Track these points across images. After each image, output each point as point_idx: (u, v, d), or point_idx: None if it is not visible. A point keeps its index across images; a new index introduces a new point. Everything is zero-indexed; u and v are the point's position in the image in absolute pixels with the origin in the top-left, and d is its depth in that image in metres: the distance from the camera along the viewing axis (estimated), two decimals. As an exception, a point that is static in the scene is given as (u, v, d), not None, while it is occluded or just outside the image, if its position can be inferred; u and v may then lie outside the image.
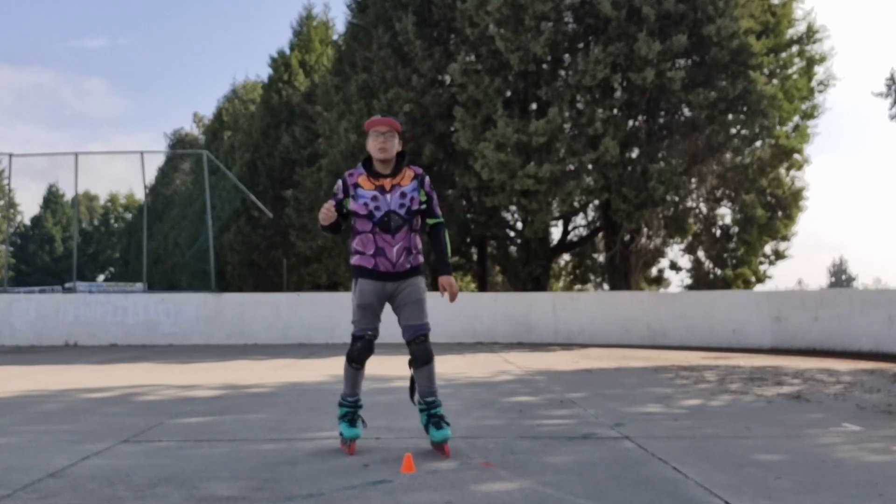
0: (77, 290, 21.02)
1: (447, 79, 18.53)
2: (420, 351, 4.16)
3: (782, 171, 17.94)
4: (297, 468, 3.83)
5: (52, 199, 68.19)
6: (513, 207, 19.36)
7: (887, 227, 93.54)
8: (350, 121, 19.17)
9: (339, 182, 4.23)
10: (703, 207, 19.02)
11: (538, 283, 20.07)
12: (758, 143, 17.48)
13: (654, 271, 21.47)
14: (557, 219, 20.91)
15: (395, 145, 4.19)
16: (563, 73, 17.55)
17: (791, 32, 17.51)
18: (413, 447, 4.20)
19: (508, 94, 17.79)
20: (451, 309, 12.27)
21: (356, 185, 4.18)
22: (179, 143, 54.03)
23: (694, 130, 17.11)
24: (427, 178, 4.30)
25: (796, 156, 17.82)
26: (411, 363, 4.22)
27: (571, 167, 16.73)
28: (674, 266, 20.55)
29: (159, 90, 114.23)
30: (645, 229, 18.74)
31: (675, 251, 20.39)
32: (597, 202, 18.98)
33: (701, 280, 18.88)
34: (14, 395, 6.86)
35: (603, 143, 15.87)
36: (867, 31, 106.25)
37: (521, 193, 16.87)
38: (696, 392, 6.92)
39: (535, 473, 3.68)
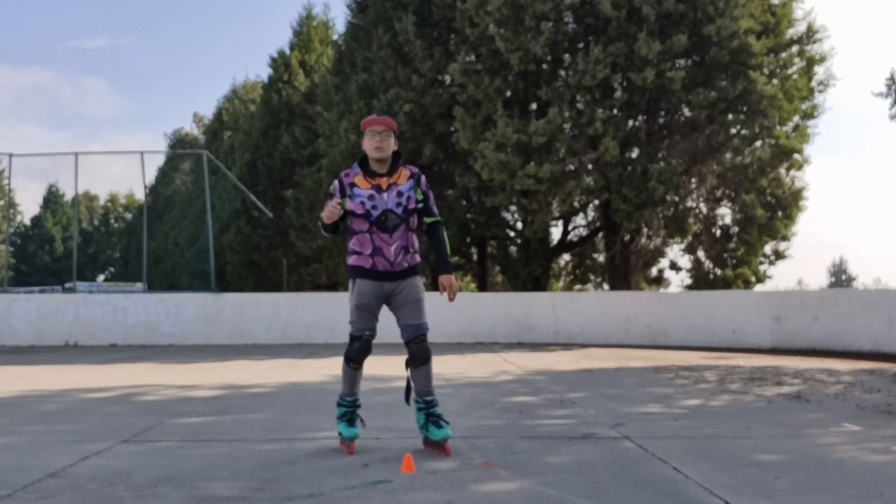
0: (77, 290, 21.02)
1: (447, 79, 18.53)
2: (419, 350, 4.17)
3: (782, 171, 17.94)
4: (297, 468, 3.83)
5: (52, 199, 68.19)
6: (513, 207, 19.36)
7: (887, 227, 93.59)
8: (350, 121, 19.17)
9: (336, 182, 4.24)
10: (703, 207, 19.02)
11: (538, 283, 20.07)
12: (758, 143, 17.48)
13: (654, 271, 21.46)
14: (557, 219, 20.91)
15: (391, 144, 4.20)
16: (563, 73, 17.55)
17: (791, 32, 17.51)
18: (413, 447, 4.20)
19: (508, 94, 17.79)
20: (451, 309, 12.27)
21: (352, 185, 4.18)
22: (179, 143, 54.04)
23: (694, 130, 17.11)
24: (423, 177, 4.31)
25: (796, 156, 17.83)
26: (408, 363, 4.23)
27: (571, 167, 16.73)
28: (674, 266, 20.55)
29: (159, 90, 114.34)
30: (645, 229, 18.75)
31: (675, 251, 20.42)
32: (597, 202, 18.98)
33: (701, 280, 18.88)
34: (14, 395, 6.86)
35: (603, 143, 15.88)
36: (867, 31, 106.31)
37: (521, 193, 16.87)
38: (696, 392, 6.92)
39: (535, 473, 3.68)
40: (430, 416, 4.18)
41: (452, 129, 18.17)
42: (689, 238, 18.79)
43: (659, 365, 9.85)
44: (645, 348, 13.66)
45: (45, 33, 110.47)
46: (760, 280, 18.95)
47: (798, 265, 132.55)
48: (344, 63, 22.02)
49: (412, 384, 4.25)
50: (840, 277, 79.77)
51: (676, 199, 17.68)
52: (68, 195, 66.03)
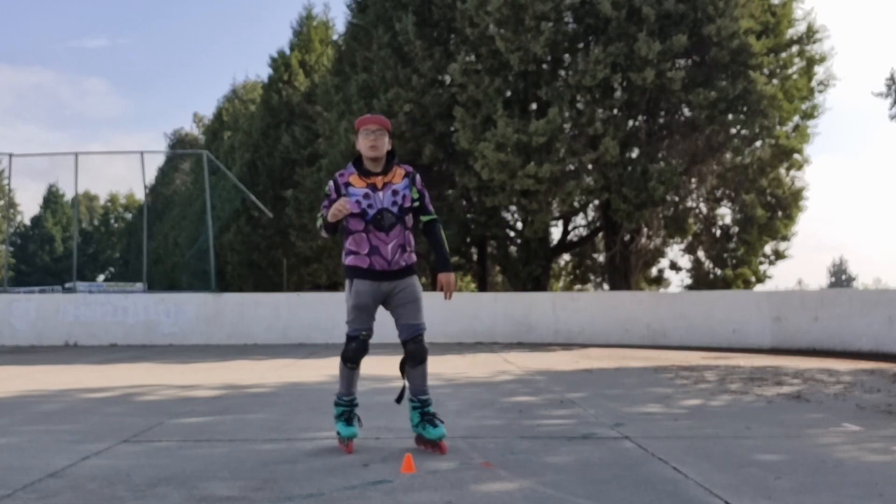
0: (77, 290, 21.02)
1: (447, 79, 18.53)
2: (417, 350, 4.19)
3: (782, 171, 17.94)
4: (297, 468, 3.83)
5: (52, 199, 68.20)
6: (513, 207, 19.36)
7: (887, 227, 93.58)
8: (350, 121, 19.16)
9: (331, 183, 4.25)
10: (703, 207, 19.02)
11: (538, 283, 20.07)
12: (758, 143, 17.48)
13: (654, 271, 21.47)
14: (557, 219, 20.92)
15: (386, 143, 4.21)
16: (563, 73, 17.55)
17: (791, 32, 17.51)
18: (413, 447, 4.20)
19: (508, 94, 17.79)
20: (451, 309, 12.28)
21: (347, 185, 4.19)
22: (179, 143, 54.07)
23: (694, 130, 17.11)
24: (418, 176, 4.32)
25: (796, 156, 17.83)
26: (405, 362, 4.24)
27: (571, 167, 16.73)
28: (674, 266, 20.55)
29: (159, 90, 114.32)
30: (645, 229, 18.75)
31: (675, 251, 20.42)
32: (597, 202, 18.98)
33: (701, 280, 18.88)
34: (14, 395, 6.86)
35: (603, 143, 15.88)
36: (867, 31, 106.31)
37: (521, 193, 16.87)
38: (696, 392, 6.92)
39: (535, 473, 3.68)
40: (425, 414, 4.20)
41: (452, 129, 18.18)
42: (689, 238, 18.79)
43: (659, 365, 9.85)
44: (645, 348, 13.66)
45: (45, 33, 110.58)
46: (760, 280, 18.96)
47: (798, 265, 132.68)
48: (344, 63, 22.03)
49: (407, 383, 4.27)
50: (840, 277, 79.78)
51: (676, 199, 17.68)
52: (68, 195, 66.12)
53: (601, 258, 22.76)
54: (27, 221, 68.04)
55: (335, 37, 28.77)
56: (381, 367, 7.93)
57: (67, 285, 36.78)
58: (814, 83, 17.76)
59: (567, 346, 14.31)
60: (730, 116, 16.67)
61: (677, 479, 3.57)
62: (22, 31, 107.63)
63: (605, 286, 21.91)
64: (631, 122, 17.24)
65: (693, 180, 18.16)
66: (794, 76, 17.31)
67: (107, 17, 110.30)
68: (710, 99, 15.82)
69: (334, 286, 25.48)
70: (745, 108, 16.36)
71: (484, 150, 16.16)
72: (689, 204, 18.59)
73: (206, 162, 19.14)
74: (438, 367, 9.26)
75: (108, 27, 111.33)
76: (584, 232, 22.69)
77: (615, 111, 17.15)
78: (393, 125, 19.14)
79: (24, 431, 4.98)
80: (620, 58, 15.95)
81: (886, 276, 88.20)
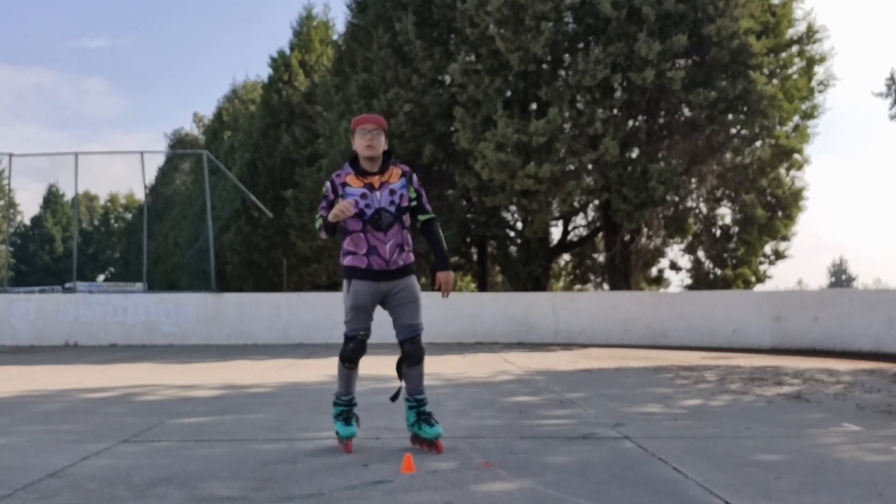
0: (77, 290, 21.02)
1: (447, 79, 18.53)
2: (415, 350, 4.21)
3: (782, 171, 17.94)
4: (297, 468, 3.83)
5: (52, 199, 68.19)
6: (513, 207, 19.37)
7: (887, 227, 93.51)
8: (350, 121, 19.13)
9: (328, 184, 4.25)
10: (703, 207, 19.02)
11: (538, 283, 20.07)
12: (758, 143, 17.48)
13: (654, 271, 21.47)
14: (557, 219, 20.92)
15: (382, 143, 4.21)
16: (563, 73, 17.55)
17: (791, 32, 17.50)
18: (413, 447, 4.20)
19: (508, 94, 17.79)
20: (451, 309, 12.29)
21: (344, 185, 4.19)
22: (179, 143, 54.05)
23: (694, 130, 17.11)
24: (414, 176, 4.33)
25: (796, 156, 17.83)
26: (402, 362, 4.25)
27: (571, 167, 16.73)
28: (674, 266, 20.55)
29: (159, 90, 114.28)
30: (645, 229, 18.75)
31: (675, 251, 20.42)
32: (597, 202, 18.98)
33: (701, 280, 18.88)
34: (14, 395, 6.86)
35: (603, 143, 15.88)
36: (867, 31, 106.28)
37: (521, 193, 16.87)
38: (696, 392, 6.92)
39: (535, 473, 3.68)
40: (421, 414, 4.22)
41: (452, 129, 18.18)
42: (689, 238, 18.79)
43: (659, 365, 9.85)
44: (645, 348, 13.66)
45: (45, 33, 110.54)
46: (760, 280, 18.96)
47: (798, 265, 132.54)
48: (344, 63, 22.02)
49: (403, 383, 4.28)
50: (840, 277, 79.76)
51: (676, 199, 17.68)
52: (68, 195, 66.11)
53: (601, 258, 22.76)
54: (27, 221, 68.08)
55: (335, 37, 28.77)
56: (379, 367, 7.93)
57: (67, 285, 36.78)
58: (814, 83, 17.76)
59: (567, 346, 14.31)
60: (730, 116, 16.67)
61: (677, 479, 3.57)
62: (22, 31, 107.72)
63: (605, 286, 21.91)
64: (631, 122, 17.24)
65: (693, 180, 18.15)
66: (794, 76, 17.31)
67: (107, 17, 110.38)
68: (710, 99, 15.82)
69: (334, 286, 25.45)
70: (745, 108, 16.35)
71: (484, 150, 16.16)
72: (689, 204, 18.59)
73: (206, 162, 19.14)
74: (438, 367, 9.26)
75: (108, 27, 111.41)
76: (584, 232, 22.69)
77: (615, 111, 17.15)
78: (393, 125, 19.15)
79: (24, 431, 4.98)
80: (620, 58, 15.95)
81: (886, 276, 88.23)
